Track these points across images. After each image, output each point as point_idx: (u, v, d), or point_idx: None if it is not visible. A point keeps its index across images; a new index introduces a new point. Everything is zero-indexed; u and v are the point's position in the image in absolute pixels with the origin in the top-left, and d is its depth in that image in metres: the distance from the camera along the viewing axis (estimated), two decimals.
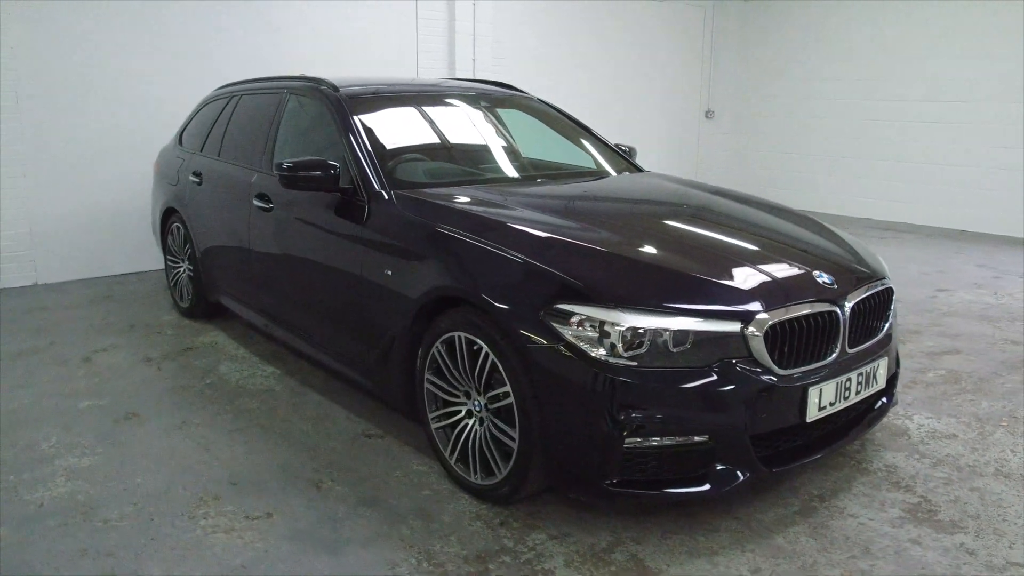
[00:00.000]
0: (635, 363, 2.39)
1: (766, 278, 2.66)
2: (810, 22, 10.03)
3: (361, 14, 7.24)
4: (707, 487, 2.48)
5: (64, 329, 4.88)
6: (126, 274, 6.33)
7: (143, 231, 6.24)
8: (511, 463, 2.64)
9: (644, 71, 10.20)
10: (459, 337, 2.77)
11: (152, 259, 6.36)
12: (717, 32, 10.95)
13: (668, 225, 3.14)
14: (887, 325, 2.98)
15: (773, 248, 2.91)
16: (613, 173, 4.08)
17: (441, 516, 2.74)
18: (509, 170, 3.89)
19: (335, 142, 3.64)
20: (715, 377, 2.42)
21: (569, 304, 2.46)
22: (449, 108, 4.13)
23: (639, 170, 4.25)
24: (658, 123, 10.55)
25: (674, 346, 2.41)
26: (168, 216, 5.17)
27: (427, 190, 3.34)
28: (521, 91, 4.63)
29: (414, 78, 4.65)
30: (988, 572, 2.43)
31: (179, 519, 2.71)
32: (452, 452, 2.91)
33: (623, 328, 2.39)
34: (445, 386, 2.91)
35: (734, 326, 2.46)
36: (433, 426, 2.99)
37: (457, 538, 2.60)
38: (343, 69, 7.04)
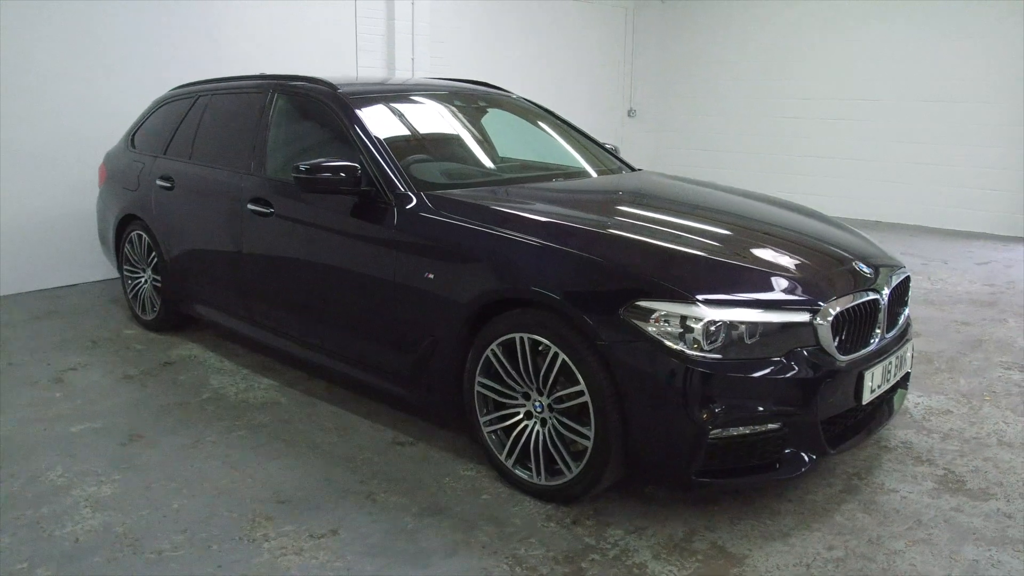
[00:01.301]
0: (719, 356, 2.46)
1: (820, 270, 2.79)
2: (725, 22, 10.48)
3: (301, 14, 7.03)
4: (783, 471, 2.58)
5: (18, 348, 4.48)
6: (62, 287, 5.86)
7: (80, 241, 5.81)
8: (584, 462, 2.65)
9: (572, 70, 10.37)
10: (521, 339, 2.75)
11: (91, 270, 5.93)
12: (638, 32, 11.26)
13: (713, 222, 3.19)
14: (907, 311, 3.18)
15: (812, 242, 3.04)
16: (615, 171, 4.14)
17: (511, 520, 2.71)
18: (524, 169, 3.88)
19: (344, 143, 3.53)
20: (790, 366, 2.52)
21: (649, 301, 2.50)
22: (448, 107, 4.07)
23: (632, 168, 4.33)
24: (585, 121, 10.57)
25: (750, 338, 2.49)
26: (126, 224, 4.83)
27: (457, 191, 3.29)
28: (505, 90, 4.62)
29: (406, 77, 4.54)
30: None
31: (240, 544, 2.56)
32: (509, 455, 2.89)
33: (704, 322, 2.45)
34: (501, 388, 2.88)
35: (804, 316, 2.57)
36: (485, 430, 2.95)
37: (538, 540, 2.59)
38: (287, 68, 6.80)
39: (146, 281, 4.76)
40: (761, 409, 2.51)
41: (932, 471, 3.08)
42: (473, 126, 4.08)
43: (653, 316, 2.48)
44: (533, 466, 2.82)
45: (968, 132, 8.50)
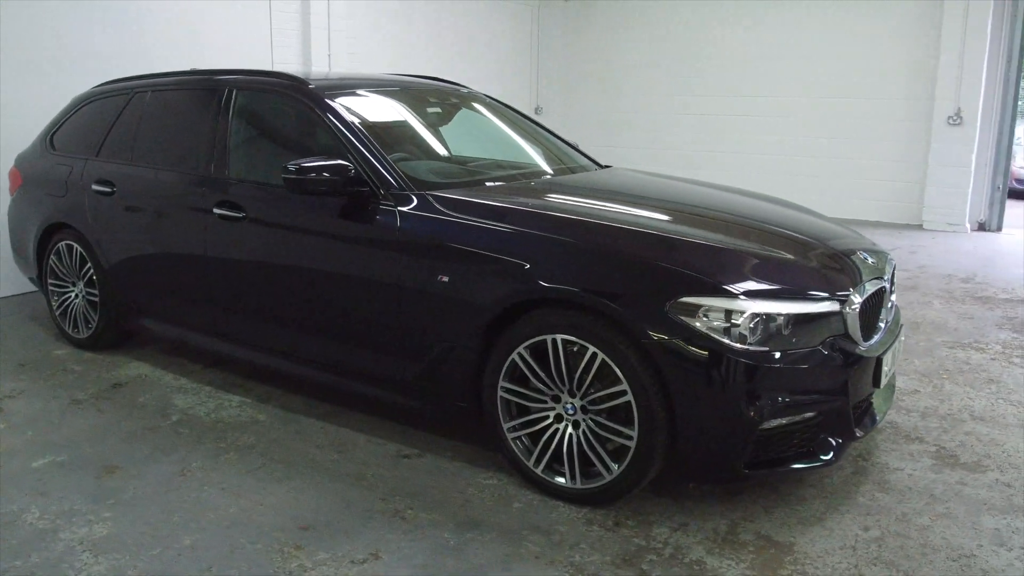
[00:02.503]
0: (765, 348, 2.48)
1: (838, 260, 2.87)
2: (628, 20, 10.73)
3: (214, 10, 6.64)
4: (823, 458, 2.64)
5: None
6: None
7: None
8: (627, 462, 2.62)
9: (482, 68, 10.32)
10: (553, 340, 2.68)
11: None
12: (543, 30, 11.35)
13: (723, 218, 3.19)
14: (894, 297, 3.34)
15: (819, 234, 3.11)
16: (590, 168, 4.11)
17: (554, 527, 2.64)
18: (513, 167, 3.79)
19: (326, 142, 3.33)
20: (826, 355, 2.58)
21: (694, 297, 2.49)
22: (423, 104, 3.93)
23: (600, 165, 4.32)
24: None
25: (790, 329, 2.54)
26: (51, 234, 4.37)
27: (460, 189, 3.18)
28: (466, 87, 4.51)
29: (370, 73, 4.30)
30: None
31: None
32: (538, 460, 2.81)
33: (748, 315, 2.47)
34: (528, 392, 2.80)
35: (835, 305, 2.64)
36: (510, 436, 2.86)
37: (588, 546, 2.53)
38: (198, 64, 6.39)
39: (78, 296, 4.33)
40: (803, 398, 2.56)
41: (925, 448, 3.25)
42: (451, 123, 3.96)
43: (699, 311, 2.48)
44: (567, 470, 2.75)
45: (865, 127, 9.09)
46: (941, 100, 8.48)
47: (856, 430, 2.72)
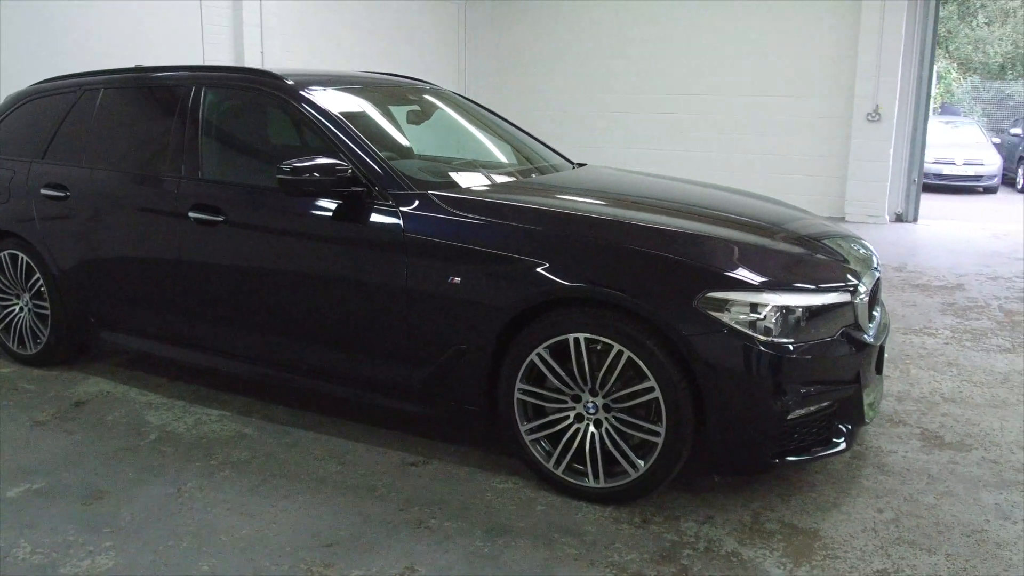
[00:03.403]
0: (789, 340, 2.53)
1: (840, 253, 2.96)
2: (554, 17, 10.79)
3: (144, 7, 6.30)
4: (838, 444, 2.72)
5: None
6: None
7: None
8: (654, 458, 2.62)
9: (411, 65, 10.15)
10: (576, 339, 2.65)
11: None
12: (469, 27, 11.30)
13: (723, 214, 3.19)
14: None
15: (816, 230, 3.19)
16: (565, 167, 4.10)
17: (582, 528, 2.62)
18: (497, 165, 3.73)
19: (312, 141, 3.21)
20: (842, 344, 2.66)
21: (721, 292, 2.52)
22: (403, 103, 3.83)
23: (573, 163, 4.31)
24: None
25: (810, 321, 2.60)
26: None
27: (463, 189, 3.10)
28: (432, 84, 4.42)
29: (341, 71, 4.13)
30: (1018, 473, 3.01)
31: None
32: (559, 461, 2.78)
33: (772, 308, 2.52)
34: (546, 393, 2.76)
35: (847, 296, 2.72)
36: (528, 438, 2.82)
37: (624, 545, 2.52)
38: (131, 62, 6.04)
39: (23, 309, 4.01)
40: (823, 388, 2.62)
41: (910, 431, 3.40)
42: (429, 122, 3.87)
43: (727, 306, 2.50)
44: (590, 469, 2.73)
45: (789, 124, 9.46)
46: (860, 98, 8.91)
47: (864, 416, 2.81)
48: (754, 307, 2.51)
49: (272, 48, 7.51)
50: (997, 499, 2.82)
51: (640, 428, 2.63)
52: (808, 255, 2.84)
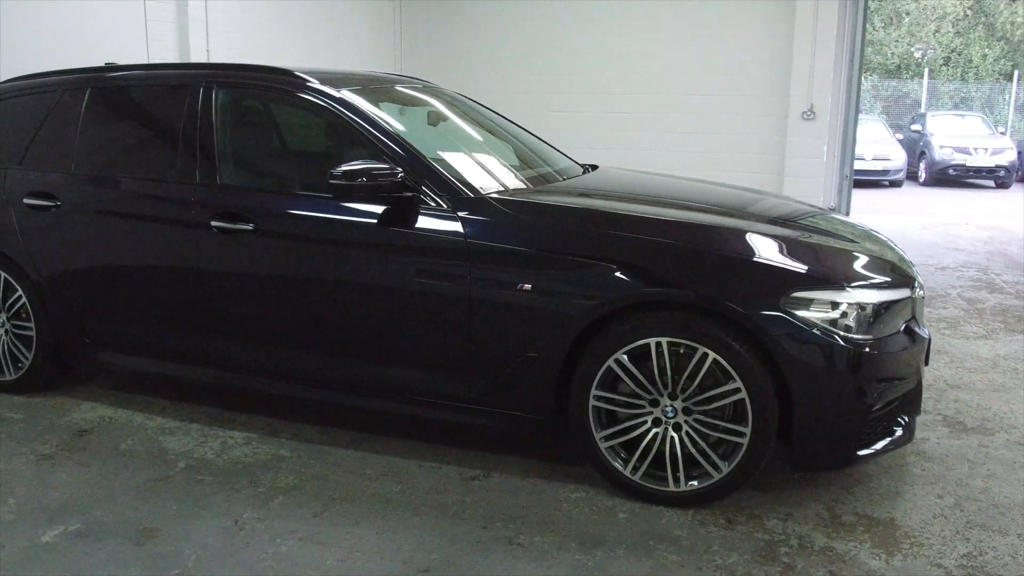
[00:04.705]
0: (869, 336, 2.59)
1: (886, 250, 3.05)
2: (491, 17, 10.73)
3: (84, 5, 5.86)
4: (903, 436, 2.81)
5: None
6: None
7: None
8: (739, 458, 2.63)
9: (352, 64, 9.92)
10: (658, 343, 2.63)
11: None
12: (406, 26, 11.10)
13: (772, 213, 3.25)
14: None
15: (859, 230, 3.28)
16: (576, 171, 4.05)
17: (673, 532, 2.60)
18: (524, 164, 3.65)
19: (352, 145, 3.06)
20: (908, 338, 2.75)
21: (806, 291, 2.55)
22: (426, 105, 3.70)
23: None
24: None
25: (881, 316, 2.66)
26: None
27: (522, 193, 3.03)
28: (427, 82, 4.29)
29: (356, 71, 3.92)
30: None
31: None
32: (636, 468, 2.75)
33: (855, 305, 2.57)
34: (622, 398, 2.73)
35: (907, 292, 2.81)
36: (603, 446, 2.78)
37: (721, 547, 2.52)
38: (71, 61, 5.61)
39: (2, 330, 3.64)
40: (897, 381, 2.70)
41: (931, 418, 3.55)
42: (461, 123, 3.75)
43: (812, 306, 2.54)
44: (670, 474, 2.72)
45: (729, 123, 9.73)
46: (796, 97, 9.28)
47: (920, 407, 2.92)
48: (835, 305, 2.56)
49: (217, 45, 7.13)
50: None
51: (724, 429, 2.64)
52: (868, 253, 2.92)
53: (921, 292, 2.86)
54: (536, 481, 2.94)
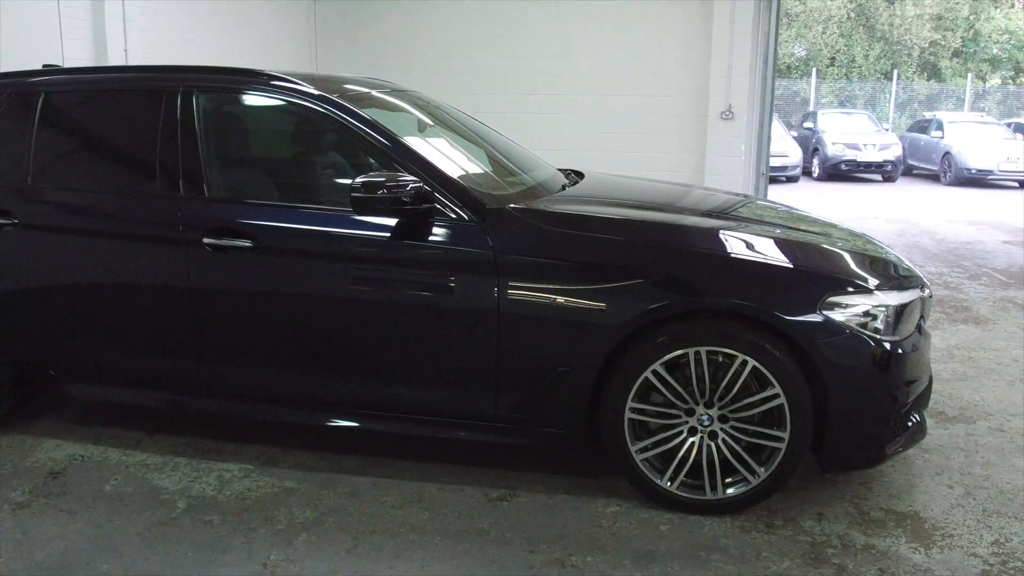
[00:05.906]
0: (896, 336, 2.67)
1: (891, 254, 3.16)
2: (408, 16, 10.51)
3: None
4: (923, 431, 2.92)
5: None
6: None
7: None
8: (776, 463, 2.66)
9: (268, 65, 9.52)
10: (696, 352, 2.61)
11: None
12: (321, 28, 10.73)
13: (788, 220, 3.32)
14: None
15: (860, 234, 3.38)
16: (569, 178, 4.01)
17: (719, 541, 2.60)
18: (529, 172, 3.56)
19: (359, 154, 2.90)
20: (922, 337, 2.85)
21: (838, 295, 2.60)
22: (422, 111, 3.54)
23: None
24: None
25: (904, 316, 2.75)
26: None
27: (545, 202, 2.96)
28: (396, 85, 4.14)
29: (349, 75, 3.67)
30: None
31: None
32: (673, 478, 2.73)
33: (882, 307, 2.64)
34: (657, 409, 2.70)
35: (919, 292, 2.91)
36: (638, 457, 2.74)
37: (771, 553, 2.53)
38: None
39: None
40: (917, 378, 2.80)
41: None
42: (445, 129, 3.61)
43: (847, 310, 2.59)
44: (707, 482, 2.71)
45: (650, 122, 9.93)
46: (714, 96, 9.56)
47: (928, 401, 3.04)
48: (865, 307, 2.62)
49: (135, 43, 6.64)
50: None
51: (762, 435, 2.65)
52: (888, 256, 3.01)
53: (928, 292, 2.98)
54: (565, 497, 2.88)
